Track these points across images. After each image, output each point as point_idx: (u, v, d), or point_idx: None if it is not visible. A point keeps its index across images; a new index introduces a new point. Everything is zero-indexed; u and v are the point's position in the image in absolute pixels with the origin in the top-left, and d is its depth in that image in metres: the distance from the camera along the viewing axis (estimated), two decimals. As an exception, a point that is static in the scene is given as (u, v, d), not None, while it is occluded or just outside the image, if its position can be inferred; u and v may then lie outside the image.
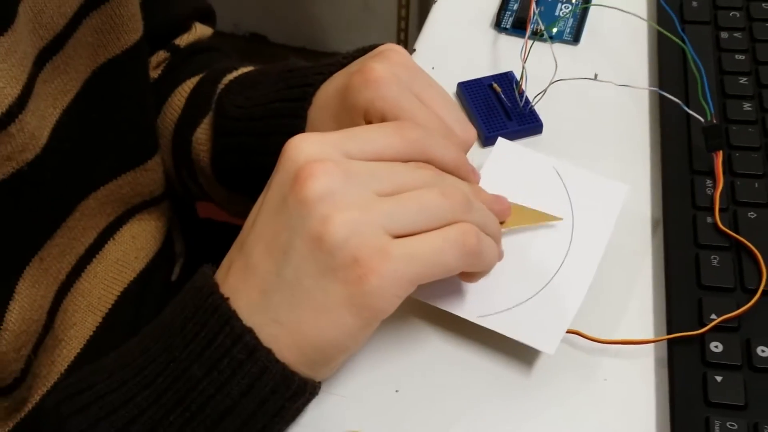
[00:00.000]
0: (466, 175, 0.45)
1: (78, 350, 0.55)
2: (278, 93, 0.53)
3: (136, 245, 0.61)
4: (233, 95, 0.58)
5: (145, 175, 0.60)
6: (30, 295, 0.49)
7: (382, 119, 0.46)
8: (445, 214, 0.40)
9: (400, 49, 0.49)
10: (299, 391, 0.41)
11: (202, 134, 0.60)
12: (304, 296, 0.39)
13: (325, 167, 0.39)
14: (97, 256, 0.57)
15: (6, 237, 0.48)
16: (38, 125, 0.48)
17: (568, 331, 0.46)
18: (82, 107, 0.53)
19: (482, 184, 0.49)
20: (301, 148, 0.40)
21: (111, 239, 0.59)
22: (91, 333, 0.56)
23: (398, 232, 0.39)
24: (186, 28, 0.67)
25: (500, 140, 0.52)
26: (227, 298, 0.40)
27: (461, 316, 0.45)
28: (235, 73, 0.61)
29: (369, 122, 0.47)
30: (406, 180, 0.41)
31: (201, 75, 0.63)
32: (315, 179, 0.39)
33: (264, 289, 0.40)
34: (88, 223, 0.56)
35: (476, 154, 0.55)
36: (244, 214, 0.50)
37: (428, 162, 0.43)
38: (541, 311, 0.45)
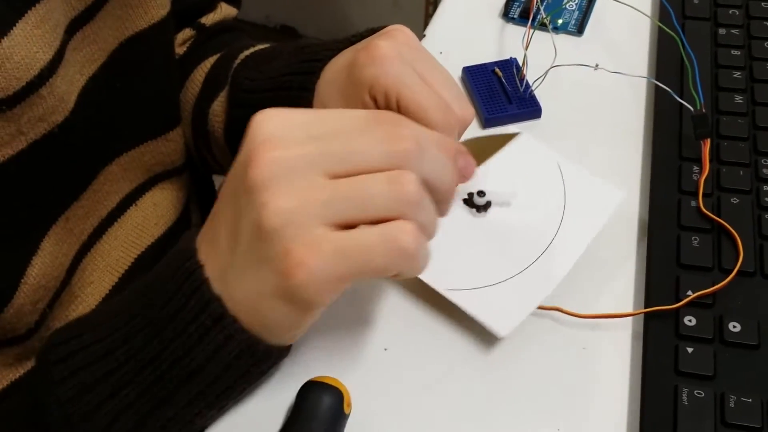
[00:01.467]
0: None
1: (92, 307, 0.56)
2: (289, 67, 0.54)
3: (156, 212, 0.62)
4: (248, 69, 0.59)
5: (167, 145, 0.61)
6: (53, 252, 0.51)
7: (386, 95, 0.47)
8: (389, 206, 0.38)
9: (406, 29, 0.49)
10: (264, 357, 0.41)
11: (218, 106, 0.61)
12: (249, 280, 0.39)
13: (274, 152, 0.38)
14: (118, 220, 0.59)
15: (36, 195, 0.49)
16: (67, 90, 0.50)
17: (549, 308, 0.47)
18: (107, 76, 0.54)
19: (490, 169, 0.50)
20: (262, 125, 0.39)
21: (133, 205, 0.60)
22: (107, 292, 0.58)
23: (336, 222, 0.38)
24: (212, 7, 0.68)
25: (523, 134, 0.53)
26: (202, 265, 0.40)
27: (430, 285, 0.47)
28: (252, 49, 0.62)
29: (373, 97, 0.48)
30: (362, 161, 0.39)
31: (222, 52, 0.64)
32: (260, 165, 0.37)
33: (222, 267, 0.40)
34: (112, 188, 0.58)
35: (476, 134, 0.57)
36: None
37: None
38: (507, 297, 0.46)
